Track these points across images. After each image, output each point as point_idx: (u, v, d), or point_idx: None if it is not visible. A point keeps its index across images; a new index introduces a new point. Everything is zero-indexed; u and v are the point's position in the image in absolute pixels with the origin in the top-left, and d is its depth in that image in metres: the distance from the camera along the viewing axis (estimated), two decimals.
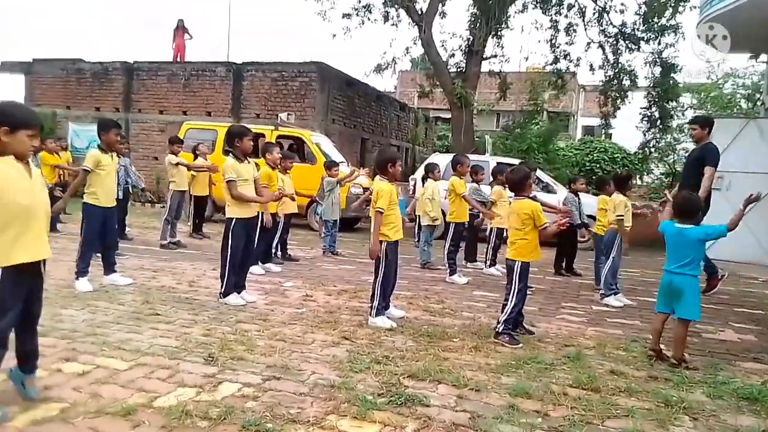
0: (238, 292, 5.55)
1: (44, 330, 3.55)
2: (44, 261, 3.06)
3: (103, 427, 2.83)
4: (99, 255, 6.05)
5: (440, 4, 16.67)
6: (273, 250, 7.80)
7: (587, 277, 7.91)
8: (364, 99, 18.85)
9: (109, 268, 6.03)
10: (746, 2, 8.42)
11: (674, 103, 17.57)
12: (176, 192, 9.05)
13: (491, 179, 8.62)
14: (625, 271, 8.15)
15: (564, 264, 8.32)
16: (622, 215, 6.27)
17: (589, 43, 17.41)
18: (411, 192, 11.44)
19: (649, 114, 17.17)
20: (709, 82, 19.37)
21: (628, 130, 19.19)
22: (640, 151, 18.30)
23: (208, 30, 43.84)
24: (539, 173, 11.60)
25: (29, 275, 2.96)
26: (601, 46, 17.27)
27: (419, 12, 16.35)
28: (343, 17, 17.45)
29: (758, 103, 17.93)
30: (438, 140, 26.49)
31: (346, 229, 11.34)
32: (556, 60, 17.73)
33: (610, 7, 16.82)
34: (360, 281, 6.85)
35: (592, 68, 17.80)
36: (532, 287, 5.74)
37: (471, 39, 16.69)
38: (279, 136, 12.38)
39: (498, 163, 10.26)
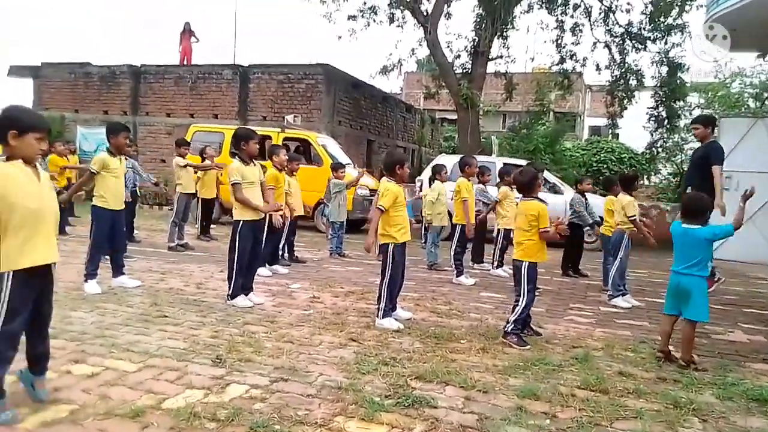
0: (246, 294, 5.57)
1: (54, 332, 3.57)
2: (53, 264, 3.08)
3: (112, 429, 2.85)
4: (108, 257, 6.09)
5: (446, 6, 16.68)
6: (280, 252, 7.82)
7: (594, 278, 7.89)
8: (370, 101, 18.87)
9: (117, 270, 6.07)
10: (753, 1, 8.37)
11: (681, 103, 17.47)
12: (183, 194, 9.09)
13: (498, 180, 8.61)
14: (633, 271, 8.12)
15: (571, 265, 8.29)
16: (635, 215, 6.26)
17: (595, 43, 17.36)
18: (417, 193, 11.43)
19: (656, 114, 17.08)
20: (716, 81, 19.23)
21: (635, 130, 19.10)
22: (648, 151, 18.20)
23: (208, 29, 43.93)
24: (546, 174, 11.57)
25: (39, 278, 2.98)
26: (607, 45, 17.21)
27: (425, 13, 16.36)
28: (348, 19, 17.50)
29: (766, 102, 17.81)
30: (444, 141, 26.47)
31: (353, 231, 11.34)
32: (562, 60, 17.69)
33: (617, 6, 16.77)
34: (367, 283, 6.86)
35: (598, 68, 17.77)
36: (539, 288, 5.73)
37: (477, 40, 16.67)
38: (285, 138, 12.42)
39: (504, 164, 10.25)
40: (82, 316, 4.81)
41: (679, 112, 17.28)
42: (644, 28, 16.53)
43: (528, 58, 42.41)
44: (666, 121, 16.97)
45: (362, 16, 17.35)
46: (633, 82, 17.26)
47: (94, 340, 4.15)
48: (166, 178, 12.79)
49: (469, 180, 7.69)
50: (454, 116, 19.41)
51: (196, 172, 9.43)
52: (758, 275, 9.06)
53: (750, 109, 17.28)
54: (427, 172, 11.44)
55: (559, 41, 17.50)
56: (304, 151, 12.85)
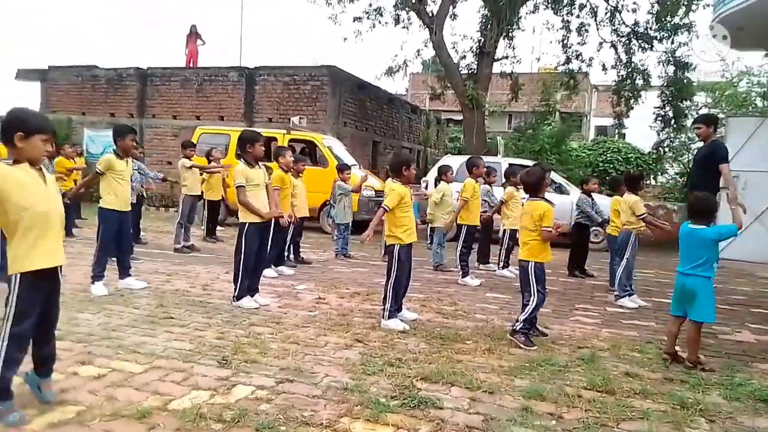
0: (252, 296, 5.59)
1: (60, 334, 3.59)
2: (60, 267, 3.10)
3: (118, 430, 2.86)
4: (114, 259, 6.12)
5: (451, 6, 16.65)
6: (286, 253, 7.83)
7: (601, 279, 7.86)
8: (375, 102, 18.88)
9: (124, 271, 6.10)
10: (760, 0, 8.33)
11: (688, 102, 17.36)
12: (188, 196, 9.12)
13: (503, 180, 8.59)
14: (640, 271, 8.09)
15: (576, 265, 8.26)
16: (644, 213, 6.25)
17: (601, 43, 17.28)
18: (423, 194, 11.43)
19: (662, 113, 16.98)
20: (723, 80, 19.10)
21: (641, 129, 19.00)
22: (654, 151, 18.11)
23: (209, 29, 44.12)
24: (552, 174, 11.54)
25: (47, 281, 3.00)
26: (613, 45, 17.14)
27: (430, 14, 16.34)
28: (354, 21, 17.51)
29: None
30: (450, 142, 26.43)
31: (358, 232, 11.32)
32: (568, 60, 17.62)
33: (623, 6, 16.71)
34: (372, 284, 6.86)
35: (604, 68, 17.68)
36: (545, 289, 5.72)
37: (482, 40, 16.64)
38: (291, 140, 12.44)
39: (510, 164, 10.21)
40: (88, 317, 4.83)
41: (686, 111, 17.18)
42: (651, 28, 16.44)
43: (534, 58, 42.37)
44: (673, 120, 16.88)
45: (368, 18, 17.37)
46: (639, 82, 17.16)
47: (100, 342, 4.17)
48: (173, 179, 12.84)
49: (476, 181, 7.68)
50: (460, 117, 19.38)
51: (201, 174, 9.46)
52: (766, 275, 8.99)
53: (757, 108, 17.15)
54: (432, 173, 11.43)
55: (564, 41, 17.45)
56: (309, 153, 12.86)
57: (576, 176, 14.79)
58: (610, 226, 7.18)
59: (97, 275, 5.80)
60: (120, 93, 17.81)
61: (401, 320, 5.02)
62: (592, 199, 8.22)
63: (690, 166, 18.48)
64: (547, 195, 4.90)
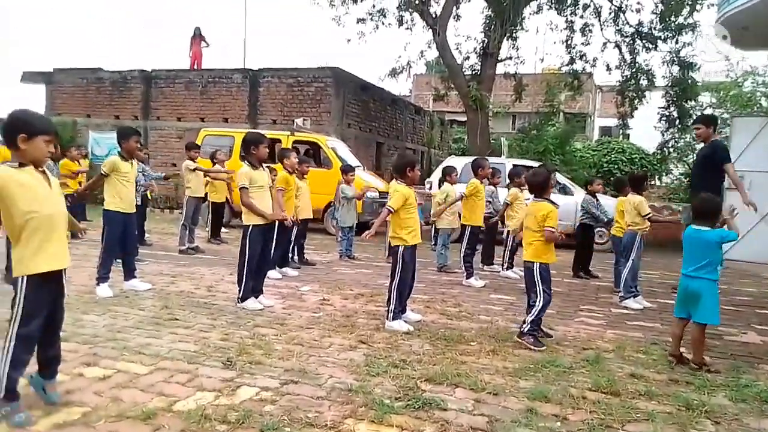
0: (256, 297, 5.59)
1: (66, 335, 3.61)
2: (65, 269, 3.11)
3: (123, 431, 2.87)
4: (119, 261, 6.14)
5: (454, 7, 16.67)
6: (290, 255, 7.84)
7: (605, 280, 7.84)
8: (379, 103, 18.89)
9: (129, 273, 6.12)
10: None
11: (693, 102, 17.31)
12: (192, 198, 9.13)
13: (508, 181, 8.59)
14: (645, 273, 8.06)
15: (581, 266, 8.25)
16: (650, 213, 6.25)
17: (605, 43, 17.26)
18: (427, 194, 11.42)
19: (667, 114, 16.94)
20: (728, 80, 19.04)
21: (646, 130, 18.97)
22: (659, 152, 18.06)
23: (208, 29, 44.18)
24: (557, 175, 11.51)
25: (53, 283, 3.02)
26: (617, 45, 17.11)
27: (433, 15, 16.36)
28: (357, 22, 17.53)
29: None
30: (454, 143, 26.42)
31: (362, 233, 11.35)
32: (572, 61, 17.61)
33: (626, 6, 16.68)
34: (376, 285, 6.86)
35: (608, 68, 17.67)
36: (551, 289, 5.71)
37: (486, 41, 16.65)
38: (295, 142, 12.46)
39: (514, 165, 10.21)
40: (93, 319, 4.85)
41: (691, 111, 17.11)
42: (655, 28, 16.41)
43: (537, 59, 42.31)
44: (677, 120, 16.83)
45: (371, 19, 17.40)
46: (644, 82, 17.13)
47: (105, 343, 4.18)
48: (177, 181, 12.88)
49: (482, 182, 7.68)
50: (464, 118, 19.38)
51: (205, 176, 9.48)
52: None
53: (762, 108, 17.09)
54: (436, 174, 11.43)
55: (568, 42, 17.44)
56: (313, 154, 12.89)
57: (580, 177, 14.77)
58: (615, 227, 7.16)
59: (102, 277, 5.82)
60: (125, 95, 17.88)
61: (405, 321, 5.01)
62: (597, 200, 8.21)
63: None
64: (551, 196, 4.90)
